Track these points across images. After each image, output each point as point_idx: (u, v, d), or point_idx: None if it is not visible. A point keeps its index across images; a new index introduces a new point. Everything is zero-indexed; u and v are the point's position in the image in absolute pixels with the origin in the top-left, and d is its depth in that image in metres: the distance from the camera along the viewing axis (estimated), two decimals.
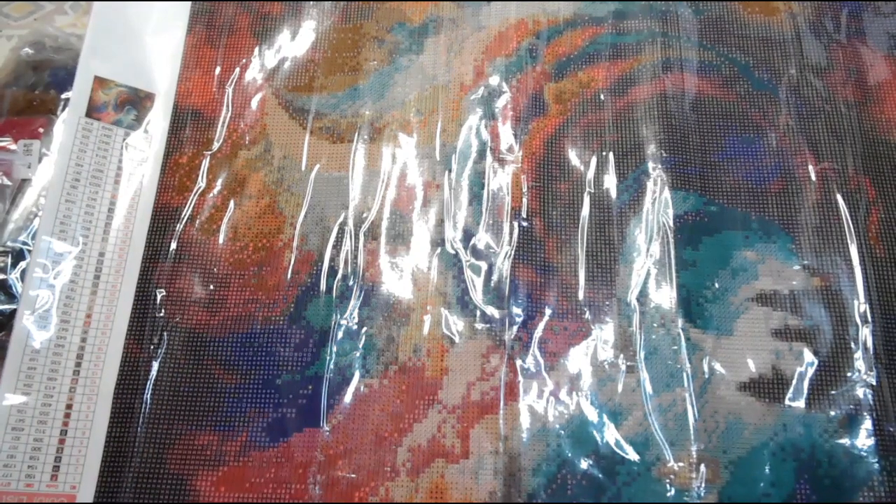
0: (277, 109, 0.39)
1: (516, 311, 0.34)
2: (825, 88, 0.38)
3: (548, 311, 0.34)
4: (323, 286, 0.35)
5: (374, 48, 0.40)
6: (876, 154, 0.36)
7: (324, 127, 0.39)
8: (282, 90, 0.40)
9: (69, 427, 0.33)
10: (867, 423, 0.31)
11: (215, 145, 0.39)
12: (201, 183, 0.38)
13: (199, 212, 0.37)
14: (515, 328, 0.34)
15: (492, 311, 0.34)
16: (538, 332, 0.34)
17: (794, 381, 0.32)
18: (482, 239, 0.35)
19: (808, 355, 0.32)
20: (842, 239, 0.34)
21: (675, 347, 0.33)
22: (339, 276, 0.35)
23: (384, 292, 0.35)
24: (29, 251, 0.36)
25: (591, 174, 0.36)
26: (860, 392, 0.32)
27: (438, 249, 0.35)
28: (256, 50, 0.41)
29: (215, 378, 0.34)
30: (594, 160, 0.37)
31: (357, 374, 0.33)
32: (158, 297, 0.35)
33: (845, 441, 0.31)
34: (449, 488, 0.31)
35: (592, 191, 0.36)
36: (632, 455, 0.31)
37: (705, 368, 0.32)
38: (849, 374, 0.32)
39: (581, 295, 0.34)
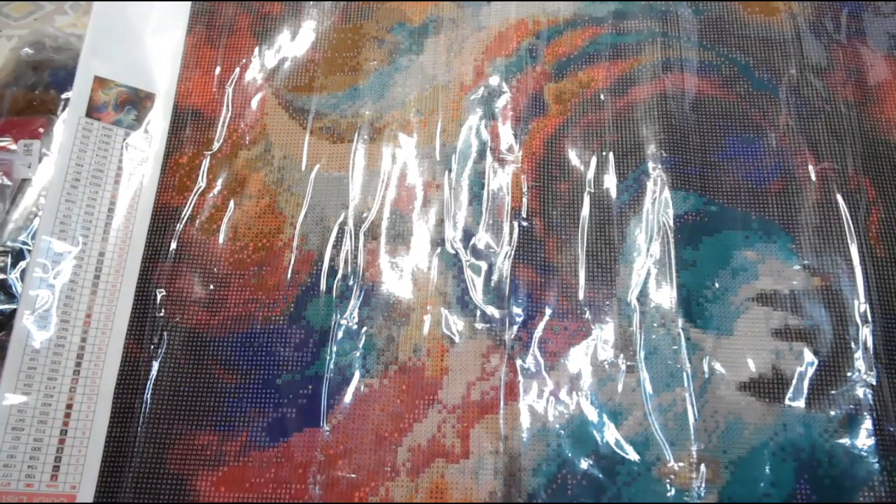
0: (277, 109, 0.39)
1: (516, 310, 0.34)
2: (825, 88, 0.38)
3: (548, 311, 0.34)
4: (323, 286, 0.35)
5: (374, 48, 0.40)
6: (876, 154, 0.36)
7: (324, 127, 0.39)
8: (282, 90, 0.40)
9: (69, 427, 0.33)
10: (867, 423, 0.31)
11: (215, 145, 0.39)
12: (201, 183, 0.38)
13: (199, 212, 0.37)
14: (515, 328, 0.34)
15: (492, 310, 0.34)
16: (538, 332, 0.34)
17: (795, 381, 0.32)
18: (482, 239, 0.35)
19: (809, 355, 0.32)
20: (842, 239, 0.34)
21: (676, 347, 0.33)
22: (339, 275, 0.35)
23: (384, 292, 0.35)
24: (29, 251, 0.36)
25: (591, 174, 0.36)
26: (860, 392, 0.32)
27: (438, 249, 0.35)
28: (256, 50, 0.41)
29: (215, 378, 0.34)
30: (594, 160, 0.37)
31: (357, 374, 0.33)
32: (158, 296, 0.35)
33: (845, 441, 0.31)
34: (449, 488, 0.31)
35: (592, 191, 0.36)
36: (632, 455, 0.31)
37: (705, 368, 0.32)
38: (849, 374, 0.32)
39: (581, 295, 0.34)
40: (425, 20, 0.41)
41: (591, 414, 0.32)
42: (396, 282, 0.35)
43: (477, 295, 0.34)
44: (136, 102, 0.39)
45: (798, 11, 0.39)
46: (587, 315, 0.34)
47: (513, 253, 0.35)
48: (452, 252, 0.35)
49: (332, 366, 0.34)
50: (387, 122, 0.38)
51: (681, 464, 0.31)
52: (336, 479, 0.32)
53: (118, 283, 0.36)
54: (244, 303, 0.35)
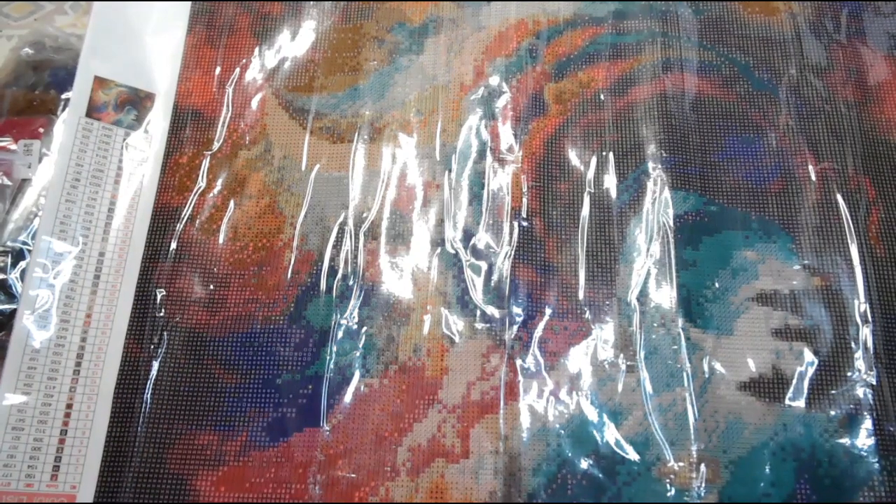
0: (277, 109, 0.39)
1: (516, 310, 0.34)
2: (825, 88, 0.38)
3: (548, 311, 0.34)
4: (323, 286, 0.35)
5: (374, 48, 0.40)
6: (876, 154, 0.36)
7: (324, 127, 0.39)
8: (282, 90, 0.40)
9: (69, 427, 0.33)
10: (867, 423, 0.31)
11: (215, 145, 0.39)
12: (201, 183, 0.38)
13: (199, 212, 0.37)
14: (515, 328, 0.34)
15: (492, 310, 0.34)
16: (538, 332, 0.34)
17: (795, 381, 0.32)
18: (482, 239, 0.35)
19: (809, 355, 0.32)
20: (842, 239, 0.34)
21: (676, 347, 0.33)
22: (339, 275, 0.35)
23: (384, 292, 0.35)
24: (29, 251, 0.36)
25: (591, 174, 0.36)
26: (860, 392, 0.32)
27: (438, 249, 0.35)
28: (256, 50, 0.41)
29: (215, 378, 0.34)
30: (594, 160, 0.37)
31: (357, 374, 0.33)
32: (158, 296, 0.35)
33: (845, 441, 0.31)
34: (449, 488, 0.31)
35: (592, 191, 0.36)
36: (632, 455, 0.31)
37: (705, 368, 0.32)
38: (849, 374, 0.32)
39: (581, 295, 0.34)
40: (425, 20, 0.41)
41: (591, 414, 0.32)
42: (396, 282, 0.35)
43: (477, 295, 0.34)
44: (136, 102, 0.39)
45: (798, 11, 0.39)
46: (587, 315, 0.34)
47: (513, 253, 0.35)
48: (452, 252, 0.35)
49: (332, 366, 0.34)
50: (387, 122, 0.38)
51: (681, 464, 0.31)
52: (336, 478, 0.32)
53: (118, 283, 0.36)
54: (244, 303, 0.35)
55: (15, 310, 0.35)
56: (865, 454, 0.31)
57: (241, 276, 0.36)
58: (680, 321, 0.33)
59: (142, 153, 0.38)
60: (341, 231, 0.36)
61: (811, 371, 0.32)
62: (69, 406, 0.33)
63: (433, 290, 0.35)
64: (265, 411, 0.33)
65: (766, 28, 0.39)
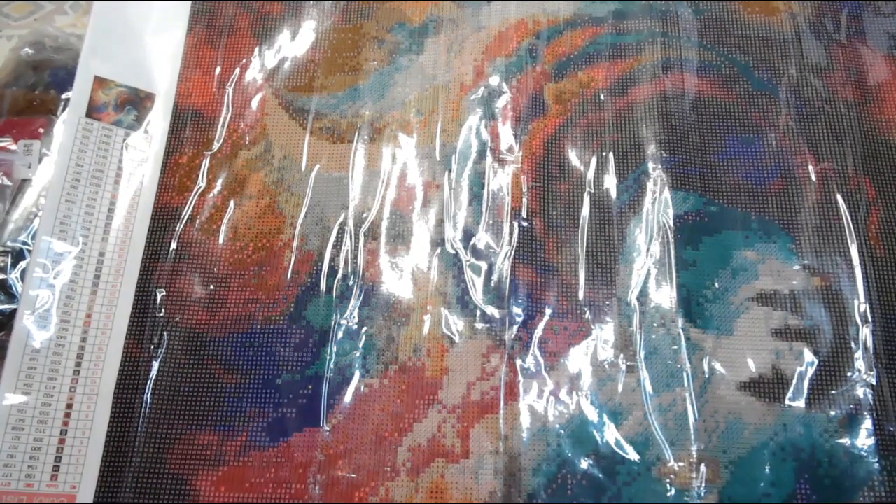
0: (277, 109, 0.39)
1: (516, 310, 0.34)
2: (825, 88, 0.38)
3: (548, 311, 0.34)
4: (323, 286, 0.35)
5: (374, 48, 0.40)
6: (876, 154, 0.36)
7: (324, 127, 0.39)
8: (282, 90, 0.40)
9: (69, 427, 0.33)
10: (867, 423, 0.31)
11: (215, 145, 0.39)
12: (201, 183, 0.38)
13: (199, 212, 0.37)
14: (515, 328, 0.34)
15: (492, 310, 0.34)
16: (538, 332, 0.34)
17: (794, 381, 0.32)
18: (482, 239, 0.35)
19: (808, 355, 0.32)
20: (842, 239, 0.34)
21: (675, 347, 0.33)
22: (339, 276, 0.35)
23: (384, 292, 0.35)
24: (29, 251, 0.36)
25: (591, 174, 0.36)
26: (860, 392, 0.32)
27: (438, 249, 0.35)
28: (256, 50, 0.41)
29: (215, 378, 0.34)
30: (594, 160, 0.37)
31: (357, 374, 0.33)
32: (158, 296, 0.35)
33: (845, 441, 0.31)
34: (449, 488, 0.31)
35: (592, 191, 0.36)
36: (632, 455, 0.31)
37: (705, 368, 0.32)
38: (849, 374, 0.32)
39: (581, 295, 0.34)
40: (425, 20, 0.41)
41: (591, 414, 0.32)
42: (396, 282, 0.35)
43: (477, 295, 0.34)
44: (136, 102, 0.39)
45: (798, 11, 0.39)
46: (587, 315, 0.34)
47: (513, 253, 0.35)
48: (452, 252, 0.35)
49: (332, 366, 0.34)
50: (387, 123, 0.38)
51: (681, 464, 0.31)
52: (336, 478, 0.32)
53: (118, 283, 0.36)
54: (244, 303, 0.35)
55: (15, 310, 0.35)
56: (865, 454, 0.31)
57: (241, 277, 0.36)
58: (680, 321, 0.33)
59: (142, 153, 0.38)
60: (341, 231, 0.36)
61: (811, 371, 0.32)
62: (69, 406, 0.33)
63: (433, 290, 0.35)
64: (265, 411, 0.33)
65: (766, 28, 0.39)
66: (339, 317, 0.34)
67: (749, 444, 0.31)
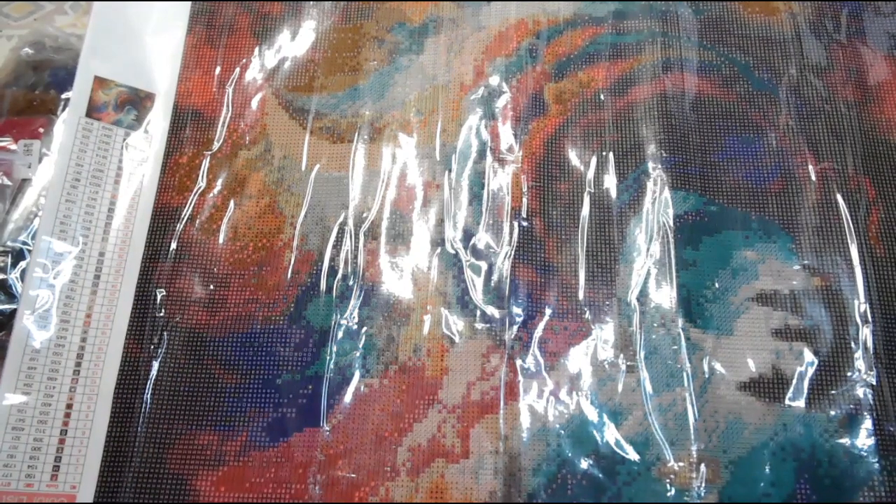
0: (277, 109, 0.39)
1: (516, 310, 0.34)
2: (825, 88, 0.38)
3: (548, 311, 0.34)
4: (323, 286, 0.35)
5: (374, 48, 0.40)
6: (876, 154, 0.36)
7: (324, 127, 0.39)
8: (282, 90, 0.40)
9: (69, 427, 0.33)
10: (867, 423, 0.31)
11: (215, 145, 0.39)
12: (201, 183, 0.38)
13: (199, 212, 0.37)
14: (515, 328, 0.34)
15: (492, 310, 0.34)
16: (538, 332, 0.34)
17: (794, 381, 0.32)
18: (482, 239, 0.35)
19: (808, 355, 0.32)
20: (842, 239, 0.34)
21: (676, 347, 0.33)
22: (339, 275, 0.35)
23: (384, 292, 0.35)
24: (29, 251, 0.36)
25: (591, 174, 0.36)
26: (860, 392, 0.32)
27: (438, 249, 0.35)
28: (256, 50, 0.41)
29: (215, 378, 0.34)
30: (594, 160, 0.37)
31: (357, 374, 0.33)
32: (158, 296, 0.35)
33: (845, 441, 0.31)
34: (449, 488, 0.31)
35: (592, 191, 0.36)
36: (632, 455, 0.31)
37: (705, 368, 0.32)
38: (849, 374, 0.32)
39: (581, 295, 0.34)
40: (425, 20, 0.41)
41: (591, 414, 0.32)
42: (396, 282, 0.35)
43: (477, 295, 0.34)
44: (136, 102, 0.39)
45: (798, 11, 0.39)
46: (587, 315, 0.34)
47: (513, 253, 0.35)
48: (452, 252, 0.35)
49: (332, 366, 0.34)
50: (387, 122, 0.38)
51: (681, 464, 0.31)
52: (336, 478, 0.32)
53: (118, 283, 0.36)
54: (244, 303, 0.35)
55: (15, 310, 0.35)
56: (865, 454, 0.31)
57: (241, 276, 0.36)
58: (680, 321, 0.33)
59: (142, 153, 0.38)
60: (341, 231, 0.36)
61: (811, 371, 0.32)
62: (69, 406, 0.33)
63: (433, 290, 0.35)
64: (265, 411, 0.33)
65: (766, 28, 0.39)
66: (339, 317, 0.34)
67: (749, 444, 0.31)
